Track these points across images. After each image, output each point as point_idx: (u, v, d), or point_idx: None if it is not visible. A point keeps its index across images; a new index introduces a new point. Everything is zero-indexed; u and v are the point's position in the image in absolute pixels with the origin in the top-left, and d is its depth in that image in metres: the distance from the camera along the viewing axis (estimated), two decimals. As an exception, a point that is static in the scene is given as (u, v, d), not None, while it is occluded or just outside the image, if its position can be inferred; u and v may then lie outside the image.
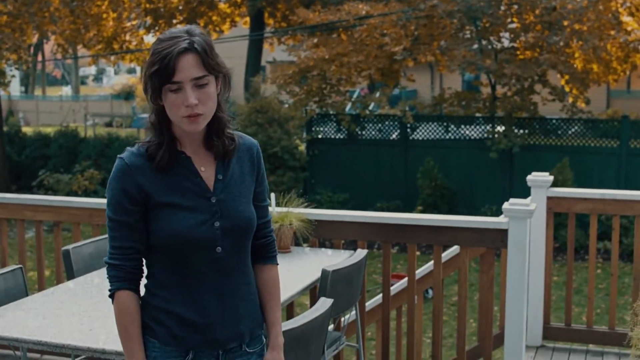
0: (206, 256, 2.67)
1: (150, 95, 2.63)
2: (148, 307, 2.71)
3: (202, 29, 2.67)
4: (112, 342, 3.38)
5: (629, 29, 19.70)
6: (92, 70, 62.56)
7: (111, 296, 2.70)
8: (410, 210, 15.75)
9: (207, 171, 2.72)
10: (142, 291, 2.73)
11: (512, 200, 5.07)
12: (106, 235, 4.83)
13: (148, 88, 2.63)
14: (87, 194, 18.50)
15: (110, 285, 2.70)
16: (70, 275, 4.58)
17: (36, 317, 3.75)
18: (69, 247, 4.66)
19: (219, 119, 2.70)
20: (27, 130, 24.95)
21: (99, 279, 4.41)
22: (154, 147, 2.66)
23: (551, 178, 6.22)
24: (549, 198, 6.19)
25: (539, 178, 6.19)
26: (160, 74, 2.55)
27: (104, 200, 5.96)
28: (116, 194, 2.66)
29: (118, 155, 2.70)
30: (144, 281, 2.74)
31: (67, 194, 17.90)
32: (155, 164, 2.65)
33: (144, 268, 2.74)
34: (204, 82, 2.59)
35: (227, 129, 2.75)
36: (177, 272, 2.68)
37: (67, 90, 51.85)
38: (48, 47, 43.32)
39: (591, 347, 6.51)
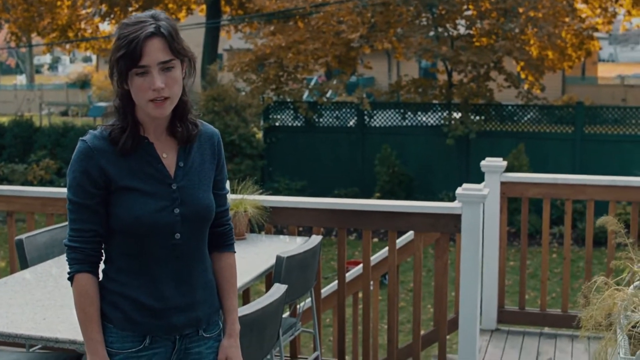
0: (165, 242, 2.69)
1: (117, 80, 2.64)
2: (105, 292, 2.71)
3: (166, 14, 2.69)
4: (65, 331, 3.37)
5: (583, 16, 19.93)
6: (47, 58, 61.82)
7: (70, 279, 2.70)
8: (368, 197, 15.81)
9: (168, 157, 2.75)
10: (100, 276, 2.74)
11: (465, 185, 5.12)
12: (61, 224, 4.86)
13: (114, 72, 2.63)
14: (42, 183, 18.32)
15: (70, 268, 2.70)
16: (24, 265, 4.54)
17: (-11, 307, 3.72)
18: (22, 236, 4.62)
19: (183, 104, 2.73)
20: (-19, 119, 24.63)
21: (55, 269, 4.38)
22: (118, 131, 2.67)
23: (504, 163, 6.28)
24: (502, 183, 6.26)
25: (492, 163, 6.25)
26: (127, 58, 2.56)
27: (58, 190, 5.94)
28: (77, 176, 2.66)
29: (80, 138, 2.70)
30: (101, 266, 2.75)
31: (22, 184, 17.70)
32: (118, 148, 2.66)
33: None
34: (171, 65, 2.61)
35: (191, 115, 2.78)
36: (136, 257, 2.70)
37: (21, 79, 51.16)
38: (1, 36, 42.75)
39: (545, 329, 6.59)
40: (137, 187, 2.68)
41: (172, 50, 2.61)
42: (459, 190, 5.02)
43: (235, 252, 3.00)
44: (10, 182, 18.29)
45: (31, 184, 17.88)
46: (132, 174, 2.68)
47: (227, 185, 5.09)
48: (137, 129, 2.70)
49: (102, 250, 2.74)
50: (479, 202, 4.97)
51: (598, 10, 21.44)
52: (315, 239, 4.76)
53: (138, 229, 2.66)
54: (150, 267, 2.70)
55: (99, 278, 2.73)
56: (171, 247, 2.70)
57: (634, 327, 2.92)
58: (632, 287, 3.15)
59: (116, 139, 2.67)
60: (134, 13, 2.57)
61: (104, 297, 2.71)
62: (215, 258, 2.92)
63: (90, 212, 2.67)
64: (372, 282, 5.71)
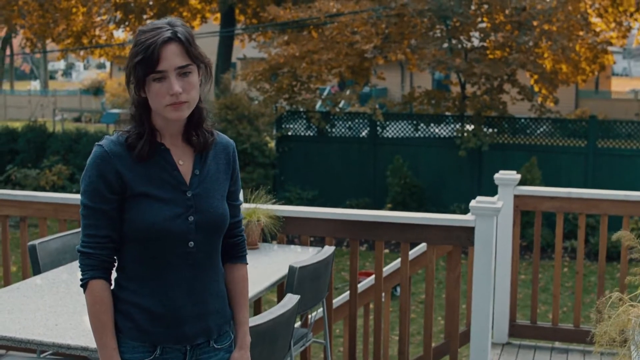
0: (178, 250, 2.67)
1: (134, 87, 2.64)
2: (116, 301, 2.69)
3: (182, 21, 2.69)
4: (77, 337, 3.36)
5: (597, 29, 19.90)
6: (61, 64, 62.18)
7: (83, 285, 2.68)
8: (380, 208, 15.79)
9: (185, 165, 2.73)
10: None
11: (479, 198, 5.10)
12: (73, 231, 4.86)
13: (131, 79, 2.63)
14: (55, 189, 18.37)
15: (83, 274, 2.67)
16: (37, 271, 4.55)
17: (1, 312, 3.72)
18: (35, 242, 4.62)
19: (200, 110, 2.73)
20: (-6, 124, 24.72)
21: (66, 275, 4.38)
22: (134, 137, 2.66)
23: (518, 176, 6.26)
24: (515, 196, 6.24)
25: (506, 176, 6.23)
26: (145, 63, 2.56)
27: (70, 195, 5.95)
28: (94, 180, 2.64)
29: (96, 143, 2.69)
30: (115, 274, 2.73)
31: (35, 189, 17.76)
32: (135, 153, 2.65)
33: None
34: (188, 70, 2.62)
35: (207, 122, 2.77)
36: (148, 264, 2.67)
37: (35, 85, 51.45)
38: (16, 41, 42.95)
39: (556, 344, 6.56)
40: (153, 193, 2.66)
41: (189, 56, 2.62)
42: (472, 203, 5.01)
43: (247, 263, 2.98)
44: (22, 187, 18.36)
45: (43, 190, 17.94)
46: (148, 180, 2.67)
47: (241, 196, 5.11)
48: (153, 135, 2.70)
49: (115, 257, 2.72)
50: (492, 215, 4.95)
51: (612, 24, 21.42)
52: (328, 250, 4.75)
53: (152, 235, 2.64)
54: (163, 274, 2.68)
55: (112, 285, 2.71)
56: (185, 255, 2.69)
57: (648, 343, 2.90)
58: (647, 303, 3.13)
59: (133, 144, 2.65)
60: (149, 21, 2.51)
61: (115, 306, 2.69)
62: (227, 269, 2.91)
63: (105, 218, 2.65)
64: (383, 294, 5.70)
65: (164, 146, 2.71)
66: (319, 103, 19.49)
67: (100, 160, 2.64)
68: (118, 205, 2.66)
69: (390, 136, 17.69)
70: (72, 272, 4.41)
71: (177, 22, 2.66)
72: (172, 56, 2.58)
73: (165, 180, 2.69)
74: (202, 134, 2.76)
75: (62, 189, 18.21)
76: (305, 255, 4.87)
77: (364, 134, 17.91)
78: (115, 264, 2.73)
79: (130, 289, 2.69)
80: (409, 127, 17.63)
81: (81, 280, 2.68)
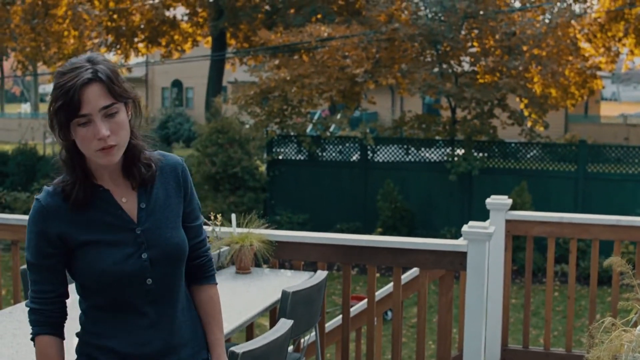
0: (137, 290, 2.58)
1: (58, 132, 2.49)
2: (83, 345, 2.65)
3: (103, 56, 2.55)
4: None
5: (586, 54, 20.05)
6: (52, 87, 62.10)
7: (32, 340, 2.63)
8: (370, 232, 15.80)
9: (128, 202, 2.62)
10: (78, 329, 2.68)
11: (471, 223, 5.11)
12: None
13: (54, 125, 2.48)
14: (45, 212, 18.31)
15: (31, 330, 2.62)
16: (28, 295, 4.53)
17: (-8, 336, 3.71)
18: (27, 266, 4.61)
19: (132, 147, 2.59)
20: (-16, 147, 24.70)
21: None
22: (69, 186, 2.55)
23: (510, 201, 6.28)
24: (507, 221, 6.25)
25: (497, 201, 6.25)
26: (66, 108, 2.42)
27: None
28: (33, 237, 2.57)
29: (35, 196, 2.61)
30: (79, 319, 2.67)
31: (25, 213, 17.68)
32: (70, 203, 2.54)
33: (69, 310, 2.66)
34: (113, 110, 2.46)
35: (143, 155, 2.64)
36: (109, 308, 2.60)
37: (26, 108, 51.38)
38: (7, 64, 42.99)
39: (548, 369, 6.55)
40: (98, 239, 2.55)
41: (113, 94, 2.46)
42: (464, 228, 5.02)
43: (216, 283, 2.87)
44: (12, 210, 18.31)
45: (33, 213, 17.87)
46: (91, 226, 2.56)
47: (234, 218, 5.11)
48: (88, 179, 2.57)
49: (66, 309, 2.65)
50: (484, 240, 4.96)
51: (601, 50, 21.60)
52: (321, 274, 4.75)
53: (106, 281, 2.53)
54: (125, 316, 2.59)
55: (63, 338, 2.65)
56: (144, 293, 2.59)
57: (642, 369, 2.90)
58: (639, 328, 3.14)
59: (68, 194, 2.54)
60: (70, 60, 2.54)
61: (83, 350, 2.65)
62: (195, 291, 2.82)
63: (49, 273, 2.58)
64: (375, 318, 5.69)
65: (102, 188, 2.60)
66: (310, 127, 19.54)
67: (39, 216, 2.56)
68: (63, 258, 2.57)
69: (380, 160, 17.73)
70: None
71: (98, 57, 2.52)
72: (94, 98, 2.42)
73: (110, 222, 2.58)
74: (139, 168, 2.62)
75: (52, 212, 18.17)
76: (297, 280, 4.86)
77: (354, 158, 17.95)
78: (66, 317, 2.65)
79: (95, 332, 2.62)
80: (400, 151, 17.68)
81: (32, 335, 2.63)
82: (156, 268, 2.59)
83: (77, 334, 2.66)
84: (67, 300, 2.65)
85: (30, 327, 2.62)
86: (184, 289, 2.75)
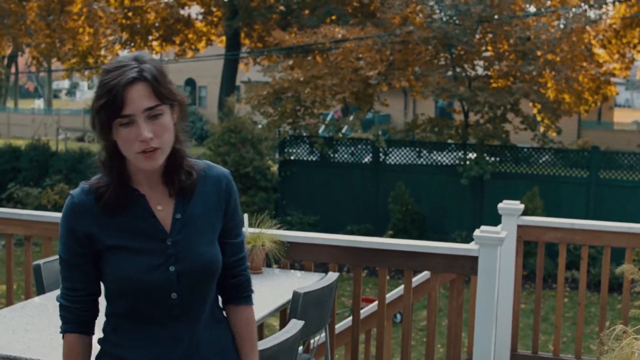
0: (160, 303, 2.48)
1: (99, 132, 2.41)
2: (102, 354, 2.59)
3: (151, 55, 2.48)
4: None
5: (600, 61, 20.00)
6: (65, 84, 62.35)
7: (61, 334, 2.59)
8: (381, 234, 15.80)
9: (164, 210, 2.52)
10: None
11: (483, 227, 5.11)
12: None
13: (96, 123, 2.40)
14: (56, 208, 18.35)
15: (61, 325, 2.58)
16: (41, 290, 4.56)
17: (5, 331, 3.73)
18: (40, 261, 4.63)
19: (175, 152, 2.48)
20: (-3, 142, 24.80)
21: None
22: (104, 187, 2.48)
23: (522, 206, 6.27)
24: (519, 226, 6.25)
25: (510, 206, 6.24)
26: (109, 107, 2.34)
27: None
28: (64, 234, 2.52)
29: (70, 191, 2.55)
30: (103, 325, 2.61)
31: (36, 208, 17.77)
32: (101, 205, 2.47)
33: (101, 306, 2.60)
34: (158, 112, 2.38)
35: (186, 162, 2.54)
36: (130, 316, 2.51)
37: (39, 103, 51.59)
38: (22, 60, 43.13)
39: (557, 375, 6.55)
40: (126, 244, 2.46)
41: (158, 95, 2.38)
42: (476, 232, 5.02)
43: (252, 304, 2.74)
44: (24, 206, 18.37)
45: (45, 208, 17.95)
46: (121, 230, 2.47)
47: (246, 218, 5.12)
48: (124, 183, 2.49)
49: (97, 306, 2.59)
50: (496, 245, 4.96)
51: (616, 56, 21.55)
52: (332, 276, 4.77)
53: (129, 289, 2.46)
54: (146, 328, 2.50)
55: (92, 333, 2.59)
56: (167, 307, 2.48)
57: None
58: (650, 336, 3.14)
59: (101, 194, 2.47)
60: (118, 55, 2.30)
61: (100, 358, 2.59)
62: (229, 311, 2.70)
63: (79, 271, 2.51)
64: (385, 320, 5.69)
65: (138, 192, 2.51)
66: (322, 128, 19.55)
67: (70, 212, 2.50)
68: (92, 258, 2.50)
69: (392, 163, 17.72)
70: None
71: (145, 56, 2.43)
72: (138, 98, 2.34)
73: (142, 229, 2.49)
74: (180, 176, 2.52)
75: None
76: (308, 281, 4.88)
77: (366, 160, 17.95)
78: (97, 313, 2.59)
79: (114, 341, 2.55)
80: (412, 154, 17.66)
81: (61, 330, 2.59)
82: (183, 283, 2.48)
83: (99, 341, 2.60)
84: (99, 298, 2.59)
85: (61, 322, 2.58)
86: (214, 308, 2.63)
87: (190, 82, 42.04)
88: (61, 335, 2.58)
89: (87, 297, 2.54)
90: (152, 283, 2.45)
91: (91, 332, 2.59)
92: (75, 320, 2.55)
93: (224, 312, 2.70)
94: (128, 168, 2.49)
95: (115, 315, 2.54)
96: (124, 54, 26.32)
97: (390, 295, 6.05)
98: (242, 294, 2.71)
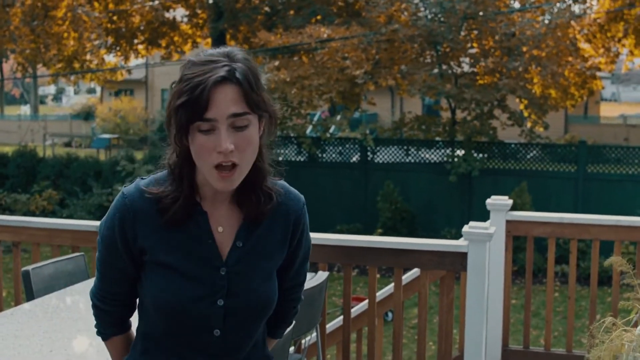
0: (199, 337, 2.18)
1: (175, 133, 2.07)
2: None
3: (245, 52, 2.12)
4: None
5: (586, 55, 20.07)
6: (52, 89, 62.15)
7: (102, 338, 2.39)
8: (370, 233, 15.80)
9: (225, 233, 2.19)
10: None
11: (471, 223, 5.11)
12: (66, 256, 4.84)
13: (172, 123, 2.08)
14: (45, 214, 18.33)
15: (100, 328, 2.37)
16: (30, 297, 4.53)
17: (-6, 338, 3.71)
18: (29, 267, 4.60)
19: (256, 170, 2.16)
20: (-16, 149, 24.71)
21: (60, 301, 4.37)
22: (169, 200, 2.14)
23: (510, 202, 6.28)
24: (508, 222, 6.26)
25: (498, 202, 6.25)
26: (189, 107, 1.99)
27: (65, 221, 5.94)
28: (110, 235, 2.20)
29: (124, 188, 2.21)
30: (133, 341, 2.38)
31: (25, 214, 17.74)
32: (165, 220, 2.14)
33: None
34: (244, 122, 2.03)
35: (265, 183, 2.22)
36: (164, 344, 2.23)
37: (25, 110, 51.39)
38: (7, 66, 43.01)
39: (549, 369, 6.56)
40: (175, 265, 2.15)
41: (248, 102, 2.03)
42: (465, 229, 5.02)
43: (280, 338, 2.54)
44: (12, 212, 18.32)
45: (33, 214, 17.91)
46: (173, 248, 2.16)
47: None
48: (192, 195, 2.16)
49: (135, 305, 2.34)
50: (485, 241, 4.97)
51: (601, 50, 21.62)
52: (322, 275, 4.76)
53: (166, 315, 2.16)
54: (181, 354, 2.21)
55: (130, 326, 2.40)
56: (207, 344, 2.19)
57: (642, 368, 2.91)
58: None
59: (165, 208, 2.14)
60: (205, 49, 2.21)
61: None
62: None
63: (120, 274, 2.25)
64: (376, 319, 5.69)
65: (200, 207, 2.17)
66: (310, 128, 19.54)
67: (120, 214, 2.17)
68: (136, 265, 2.22)
69: (380, 161, 17.74)
70: (65, 298, 4.40)
71: (239, 54, 2.09)
72: (224, 101, 1.99)
73: (194, 251, 2.16)
74: (258, 197, 2.19)
75: (53, 214, 18.18)
76: (298, 281, 4.86)
77: (354, 159, 17.96)
78: (135, 309, 2.35)
79: (141, 349, 2.28)
80: (400, 152, 17.68)
81: (98, 333, 2.39)
82: (230, 319, 2.17)
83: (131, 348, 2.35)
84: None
85: (98, 324, 2.37)
86: (260, 346, 2.35)
87: (177, 85, 41.93)
88: (100, 337, 2.39)
89: (127, 299, 2.31)
90: (194, 315, 2.14)
91: (130, 326, 2.41)
92: (118, 322, 2.35)
93: None
94: (196, 178, 2.16)
95: (147, 337, 2.26)
96: (110, 57, 26.22)
97: (380, 294, 6.05)
98: (279, 325, 2.48)
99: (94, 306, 2.32)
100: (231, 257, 2.18)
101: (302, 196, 2.36)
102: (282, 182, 2.31)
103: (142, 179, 2.21)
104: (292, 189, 2.34)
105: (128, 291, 2.28)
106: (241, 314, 2.18)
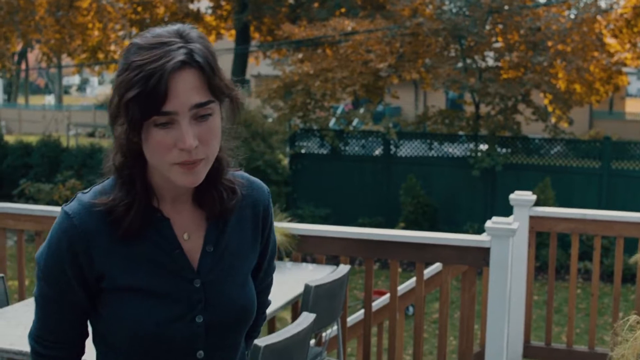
0: None
1: (126, 130, 1.73)
2: None
3: (197, 30, 1.80)
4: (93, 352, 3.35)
5: (612, 50, 19.89)
6: (76, 79, 62.50)
7: None
8: (392, 227, 15.76)
9: (192, 239, 1.88)
10: None
11: (494, 218, 5.08)
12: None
13: (119, 117, 1.73)
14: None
15: None
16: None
17: (17, 326, 3.73)
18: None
19: (217, 163, 1.85)
20: (9, 138, 24.82)
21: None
22: (122, 209, 1.79)
23: (534, 197, 6.25)
24: (531, 217, 6.22)
25: (521, 197, 6.21)
26: (144, 101, 1.65)
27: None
28: (55, 265, 1.82)
29: (64, 206, 1.84)
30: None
31: (48, 204, 17.81)
32: (121, 232, 1.80)
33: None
34: (207, 111, 1.72)
35: (227, 176, 1.92)
36: None
37: (50, 100, 51.74)
38: (32, 56, 43.25)
39: (570, 366, 6.52)
40: (140, 285, 1.81)
41: (212, 89, 1.73)
42: (488, 224, 4.99)
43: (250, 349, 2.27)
44: (35, 201, 18.42)
45: (57, 204, 17.98)
46: (135, 265, 1.82)
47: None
48: (148, 199, 1.84)
49: (84, 348, 1.98)
50: (508, 236, 4.94)
51: (627, 45, 21.42)
52: (344, 269, 4.75)
53: (140, 347, 1.82)
54: None
55: None
56: None
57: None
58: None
59: (119, 219, 1.80)
60: (151, 29, 1.73)
61: None
62: None
63: (69, 312, 1.88)
64: (397, 313, 5.68)
65: (160, 214, 1.85)
66: (333, 121, 19.52)
67: (68, 238, 1.80)
68: (91, 296, 1.86)
69: (403, 155, 17.69)
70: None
71: (192, 32, 1.77)
72: (185, 91, 1.68)
73: (161, 264, 1.84)
74: (219, 193, 1.89)
75: (76, 204, 18.26)
76: (319, 274, 4.86)
77: (377, 152, 17.91)
78: (81, 358, 1.98)
79: None
80: (423, 146, 17.62)
81: None
82: (212, 336, 1.88)
83: None
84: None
85: None
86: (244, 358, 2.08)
87: (200, 77, 42.06)
88: None
89: (76, 341, 1.94)
90: (173, 339, 1.83)
91: None
92: None
93: None
94: (150, 180, 1.84)
95: None
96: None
97: (402, 288, 6.04)
98: (249, 336, 2.17)
99: (34, 352, 1.94)
100: (203, 265, 1.88)
101: (265, 185, 2.08)
102: (242, 173, 2.01)
103: (83, 193, 1.86)
104: (254, 178, 2.05)
105: (78, 332, 1.93)
106: (223, 328, 1.89)
